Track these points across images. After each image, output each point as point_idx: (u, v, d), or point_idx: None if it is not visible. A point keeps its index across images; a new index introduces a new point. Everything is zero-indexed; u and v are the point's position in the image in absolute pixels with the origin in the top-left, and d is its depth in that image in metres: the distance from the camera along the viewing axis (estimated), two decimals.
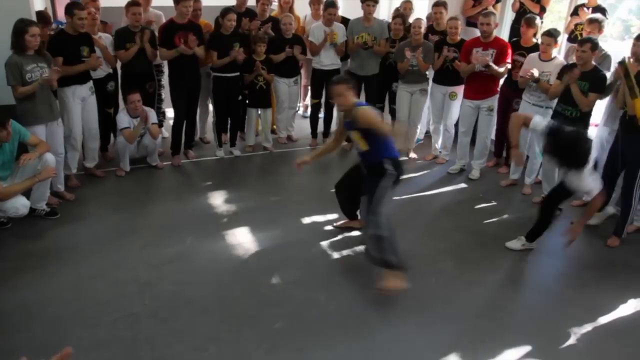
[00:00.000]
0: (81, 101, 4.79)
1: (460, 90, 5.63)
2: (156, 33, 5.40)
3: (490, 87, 5.38)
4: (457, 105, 5.71)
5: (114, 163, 5.44)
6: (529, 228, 4.21)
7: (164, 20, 5.63)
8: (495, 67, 5.12)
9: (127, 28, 5.24)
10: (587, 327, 3.36)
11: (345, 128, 3.95)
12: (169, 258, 3.90)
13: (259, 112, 6.03)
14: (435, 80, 5.83)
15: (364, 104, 3.76)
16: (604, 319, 3.45)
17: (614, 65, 4.61)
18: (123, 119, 5.13)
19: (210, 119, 6.21)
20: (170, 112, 5.91)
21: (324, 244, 4.21)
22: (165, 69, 5.77)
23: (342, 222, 4.50)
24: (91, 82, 4.89)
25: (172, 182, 5.32)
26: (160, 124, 6.00)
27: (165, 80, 5.84)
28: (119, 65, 5.41)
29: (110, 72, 5.30)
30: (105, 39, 5.16)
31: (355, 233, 4.38)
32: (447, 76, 5.61)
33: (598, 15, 5.08)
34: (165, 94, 5.91)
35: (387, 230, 3.56)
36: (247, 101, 5.90)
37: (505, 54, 5.15)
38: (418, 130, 6.24)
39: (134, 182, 5.17)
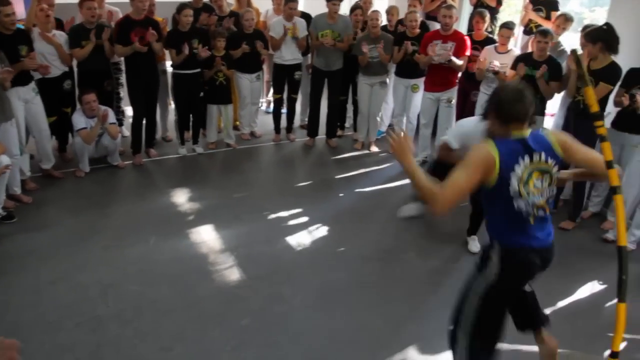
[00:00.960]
0: (25, 103, 4.61)
1: (422, 82, 5.71)
2: None
3: (449, 79, 5.47)
4: (419, 98, 5.79)
5: (73, 164, 5.32)
6: None
7: (120, 16, 5.50)
8: (455, 60, 5.20)
9: (82, 25, 5.09)
10: (545, 311, 3.46)
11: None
12: (132, 259, 3.84)
13: (220, 108, 5.98)
14: (397, 73, 5.89)
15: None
16: (561, 303, 3.57)
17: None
18: (79, 120, 4.98)
19: (172, 117, 6.14)
20: (129, 111, 5.80)
21: (289, 239, 4.22)
22: (124, 67, 5.65)
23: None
24: (34, 82, 4.69)
25: (133, 181, 5.23)
26: (120, 123, 5.89)
27: (124, 78, 5.72)
28: (75, 63, 5.28)
29: (67, 70, 5.15)
30: (59, 36, 5.02)
31: (318, 227, 4.41)
32: (408, 69, 5.67)
33: (572, 14, 5.23)
34: (124, 92, 5.80)
35: None
36: (206, 98, 5.82)
37: (464, 47, 5.25)
38: (378, 122, 6.30)
39: (95, 183, 5.07)
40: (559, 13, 5.29)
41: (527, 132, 2.17)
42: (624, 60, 4.14)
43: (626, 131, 4.23)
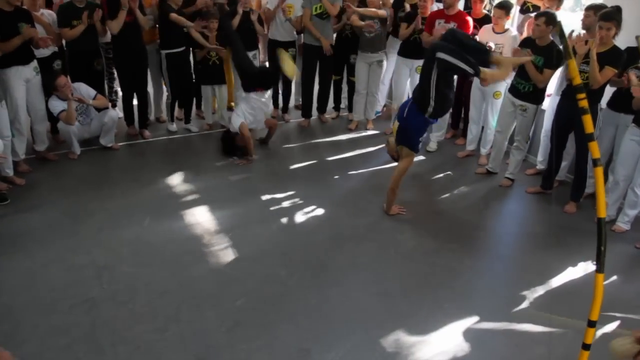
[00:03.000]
0: (25, 82, 4.57)
1: None
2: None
3: None
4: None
5: (66, 145, 5.26)
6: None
7: None
8: None
9: (72, 3, 4.97)
10: (540, 291, 3.50)
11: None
12: (126, 240, 3.83)
13: (215, 89, 5.92)
14: (401, 54, 5.81)
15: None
16: (555, 282, 3.59)
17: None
18: (56, 104, 4.83)
19: (166, 98, 6.08)
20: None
21: (284, 220, 4.22)
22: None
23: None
24: (35, 62, 4.65)
25: (127, 163, 5.19)
26: (114, 104, 5.84)
27: None
28: (64, 43, 5.20)
29: (56, 50, 5.07)
30: (48, 16, 4.93)
31: (313, 208, 4.41)
32: (413, 49, 5.58)
33: None
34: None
35: None
36: (199, 78, 5.78)
37: (465, 28, 5.15)
38: (377, 101, 6.28)
39: (88, 165, 5.03)
40: None
41: None
42: (620, 39, 4.11)
43: (621, 111, 4.22)
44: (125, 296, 3.24)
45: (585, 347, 2.13)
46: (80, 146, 5.16)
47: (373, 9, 5.46)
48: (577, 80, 2.12)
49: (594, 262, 3.82)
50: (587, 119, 2.06)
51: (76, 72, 5.18)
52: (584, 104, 2.08)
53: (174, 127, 5.85)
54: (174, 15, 5.19)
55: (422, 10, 5.46)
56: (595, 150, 2.09)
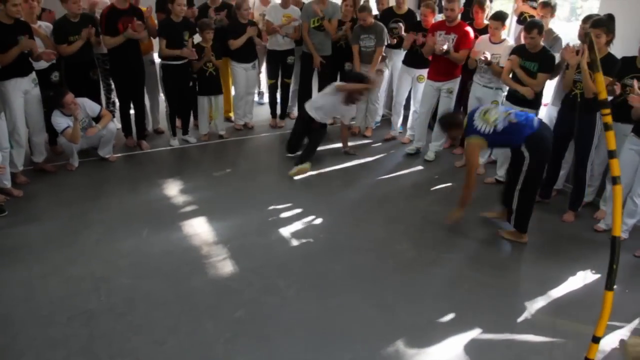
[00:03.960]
0: (24, 94, 4.57)
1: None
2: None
3: (451, 70, 5.42)
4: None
5: (64, 157, 5.26)
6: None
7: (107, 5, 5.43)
8: (454, 54, 5.16)
9: (67, 19, 4.97)
10: (540, 301, 3.49)
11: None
12: (124, 252, 3.82)
13: (211, 99, 5.94)
14: (405, 62, 5.86)
15: (472, 135, 3.97)
16: (555, 292, 3.58)
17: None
18: (60, 121, 4.83)
19: (162, 108, 6.09)
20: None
21: (282, 230, 4.21)
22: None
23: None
24: (34, 73, 4.66)
25: (125, 174, 5.19)
26: (113, 114, 5.85)
27: None
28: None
29: (54, 62, 5.08)
30: (45, 28, 4.95)
31: (312, 218, 4.40)
32: (417, 59, 5.63)
33: (547, 1, 5.18)
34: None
35: None
36: (195, 89, 5.80)
37: (465, 40, 5.18)
38: (377, 110, 6.32)
39: (86, 176, 5.03)
40: (539, 0, 5.26)
41: None
42: (615, 49, 4.14)
43: (619, 121, 4.23)
44: (124, 308, 3.22)
45: None
46: (78, 157, 5.15)
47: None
48: (604, 95, 2.10)
49: (593, 271, 3.83)
50: (610, 135, 2.03)
51: (72, 83, 5.19)
52: (608, 120, 2.05)
53: (175, 142, 5.83)
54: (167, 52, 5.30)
55: (424, 23, 5.50)
56: (616, 167, 2.06)
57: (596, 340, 2.06)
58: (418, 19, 5.74)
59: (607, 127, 2.03)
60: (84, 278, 3.49)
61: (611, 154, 2.03)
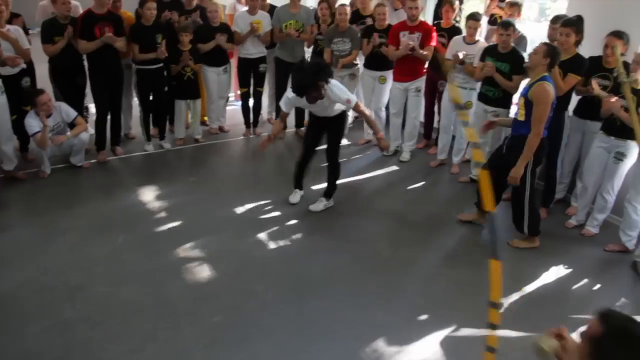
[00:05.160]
0: None
1: (389, 74, 5.73)
2: None
3: (417, 69, 5.51)
4: (387, 89, 5.82)
5: (36, 164, 5.16)
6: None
7: (80, 11, 5.36)
8: (420, 51, 5.24)
9: (56, 20, 4.96)
10: (514, 297, 3.55)
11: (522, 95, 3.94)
12: (99, 259, 3.77)
13: (189, 103, 5.90)
14: (365, 66, 5.90)
15: (550, 81, 3.75)
16: (528, 287, 3.66)
17: (530, 47, 4.87)
18: (32, 124, 4.76)
19: (135, 113, 6.01)
20: (93, 107, 5.65)
21: (260, 234, 4.20)
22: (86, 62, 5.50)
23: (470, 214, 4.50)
24: (0, 81, 4.56)
25: (99, 180, 5.11)
26: (85, 120, 5.76)
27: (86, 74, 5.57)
28: (44, 58, 5.14)
29: (24, 67, 4.99)
30: (14, 31, 4.85)
31: (290, 221, 4.41)
32: (376, 61, 5.68)
33: (518, 0, 5.30)
34: (87, 88, 5.65)
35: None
36: (173, 93, 5.73)
37: (430, 38, 5.28)
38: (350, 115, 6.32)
39: (59, 183, 4.94)
40: (506, 1, 5.36)
41: None
42: (583, 49, 4.24)
43: (587, 118, 4.34)
44: (100, 317, 3.18)
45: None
46: (50, 164, 5.06)
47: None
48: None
49: (566, 266, 3.92)
50: (470, 131, 2.10)
51: (61, 87, 5.15)
52: (464, 117, 2.12)
53: (150, 147, 5.76)
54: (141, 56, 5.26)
55: (380, 23, 5.54)
56: (478, 155, 2.17)
57: (493, 305, 2.12)
58: (369, 22, 5.77)
59: (464, 124, 2.14)
60: (58, 287, 3.44)
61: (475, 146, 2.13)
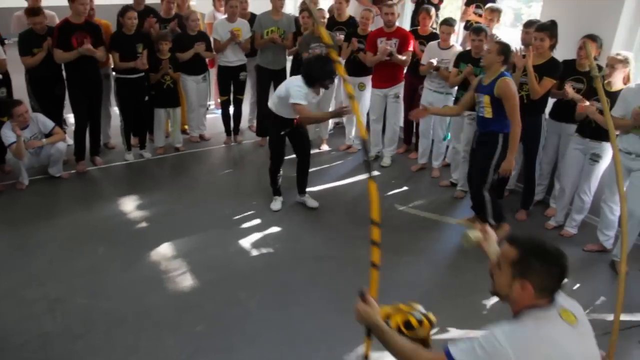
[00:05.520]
0: None
1: (369, 80, 5.76)
2: None
3: (396, 75, 5.55)
4: (367, 96, 5.84)
5: (14, 175, 5.08)
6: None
7: (57, 21, 5.31)
8: (398, 56, 5.28)
9: (32, 31, 4.92)
10: (496, 298, 3.57)
11: (476, 91, 4.09)
12: (80, 271, 3.72)
13: (169, 111, 5.86)
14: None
15: (509, 76, 3.94)
16: None
17: None
18: (9, 135, 4.68)
19: (113, 122, 5.96)
20: (71, 118, 5.58)
21: (242, 242, 4.19)
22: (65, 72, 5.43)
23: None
24: None
25: (79, 191, 5.05)
26: (64, 131, 5.69)
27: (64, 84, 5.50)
28: (20, 69, 5.09)
29: (0, 77, 4.93)
30: None
31: (272, 228, 4.41)
32: (355, 67, 5.70)
33: (498, 5, 5.36)
34: (65, 98, 5.59)
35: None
36: (153, 102, 5.69)
37: (407, 43, 5.33)
38: (329, 121, 6.34)
39: (37, 195, 4.86)
40: (487, 6, 5.44)
41: None
42: (557, 53, 4.32)
43: (563, 121, 4.42)
44: (81, 329, 3.14)
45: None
46: (28, 175, 4.99)
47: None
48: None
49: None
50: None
51: (39, 98, 5.09)
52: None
53: (130, 156, 5.70)
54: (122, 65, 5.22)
55: (362, 28, 5.58)
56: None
57: (374, 223, 2.07)
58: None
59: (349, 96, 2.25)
60: (38, 300, 3.39)
61: None
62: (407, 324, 1.87)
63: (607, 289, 3.77)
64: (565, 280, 1.62)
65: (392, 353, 1.79)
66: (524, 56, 4.28)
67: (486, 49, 4.02)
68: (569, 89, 4.11)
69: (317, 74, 4.20)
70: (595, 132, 4.02)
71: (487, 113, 3.99)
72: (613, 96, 3.81)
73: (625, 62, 3.80)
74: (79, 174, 5.31)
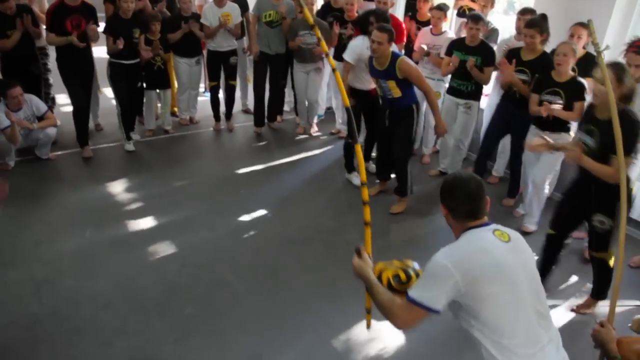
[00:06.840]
0: None
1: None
2: (39, 13, 4.96)
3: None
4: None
5: (1, 156, 5.01)
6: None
7: (46, 3, 5.16)
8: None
9: (1, 13, 4.73)
10: None
11: (374, 76, 4.32)
12: (67, 252, 3.70)
13: (159, 93, 5.79)
14: (335, 58, 5.85)
15: (402, 55, 4.19)
16: None
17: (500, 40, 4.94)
18: (2, 119, 4.58)
19: (103, 105, 5.87)
20: (60, 99, 5.52)
21: (232, 225, 4.18)
22: (52, 52, 5.32)
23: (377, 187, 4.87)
24: None
25: (67, 172, 5.00)
26: (52, 110, 5.61)
27: (52, 64, 5.41)
28: None
29: None
30: None
31: (261, 212, 4.39)
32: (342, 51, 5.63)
33: None
34: (53, 78, 5.51)
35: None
36: (144, 84, 5.60)
37: (399, 32, 5.25)
38: (318, 107, 6.27)
39: (24, 175, 4.80)
40: None
41: None
42: (552, 41, 4.30)
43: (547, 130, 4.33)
44: (67, 311, 3.13)
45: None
46: (15, 156, 4.93)
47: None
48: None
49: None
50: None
51: (12, 77, 4.92)
52: None
53: (130, 146, 5.50)
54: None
55: (349, 14, 5.51)
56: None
57: (363, 184, 2.30)
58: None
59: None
60: (24, 281, 3.36)
61: None
62: (397, 278, 2.05)
63: (578, 269, 3.77)
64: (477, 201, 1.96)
65: (375, 304, 2.00)
66: (515, 50, 4.27)
67: (375, 43, 4.04)
68: (545, 112, 3.91)
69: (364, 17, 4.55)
70: (552, 124, 3.94)
71: (396, 93, 4.21)
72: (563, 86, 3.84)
73: (574, 51, 3.82)
74: (67, 155, 5.23)
